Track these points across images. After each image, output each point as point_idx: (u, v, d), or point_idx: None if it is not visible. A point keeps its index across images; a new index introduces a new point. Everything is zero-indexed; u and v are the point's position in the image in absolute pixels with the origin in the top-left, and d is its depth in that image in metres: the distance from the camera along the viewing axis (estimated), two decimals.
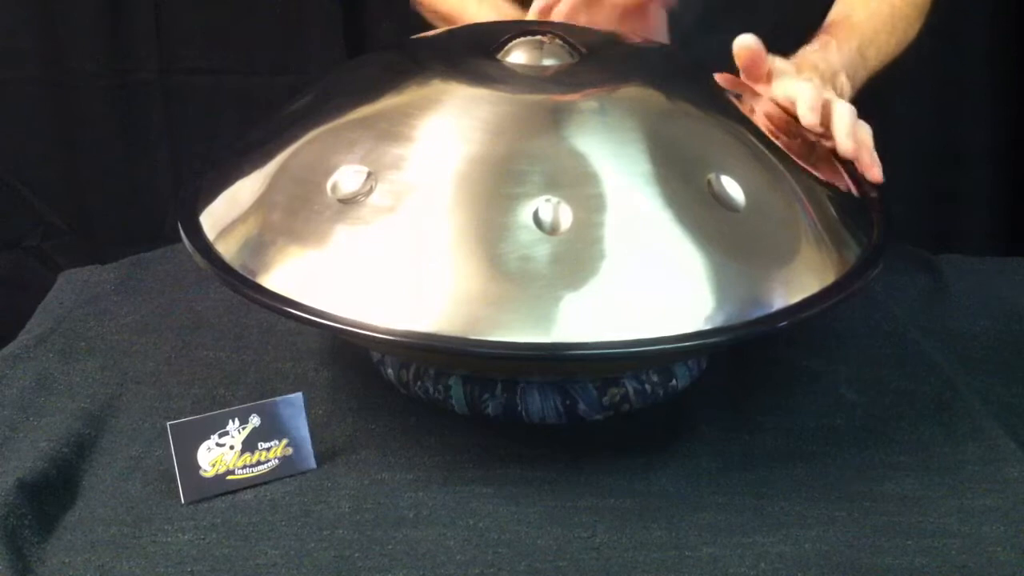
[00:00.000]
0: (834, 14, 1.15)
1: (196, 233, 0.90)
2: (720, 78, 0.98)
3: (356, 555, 0.79)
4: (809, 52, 1.05)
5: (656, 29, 1.12)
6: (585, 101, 0.89)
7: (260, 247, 0.86)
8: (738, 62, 0.98)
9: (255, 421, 0.85)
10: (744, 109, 0.94)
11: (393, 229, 0.83)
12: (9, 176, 1.83)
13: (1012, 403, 0.97)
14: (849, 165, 0.95)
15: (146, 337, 1.06)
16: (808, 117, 0.93)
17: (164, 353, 1.04)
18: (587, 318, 0.79)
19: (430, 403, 0.94)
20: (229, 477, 0.85)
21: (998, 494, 0.85)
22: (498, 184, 0.83)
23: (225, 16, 1.79)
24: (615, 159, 0.85)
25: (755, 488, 0.85)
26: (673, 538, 0.80)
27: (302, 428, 0.87)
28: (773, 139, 0.92)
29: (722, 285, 0.82)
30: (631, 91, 0.91)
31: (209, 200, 0.93)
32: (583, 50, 0.94)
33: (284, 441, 0.86)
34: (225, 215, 0.90)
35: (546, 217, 0.81)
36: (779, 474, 0.87)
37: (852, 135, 0.93)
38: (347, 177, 0.85)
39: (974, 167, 1.83)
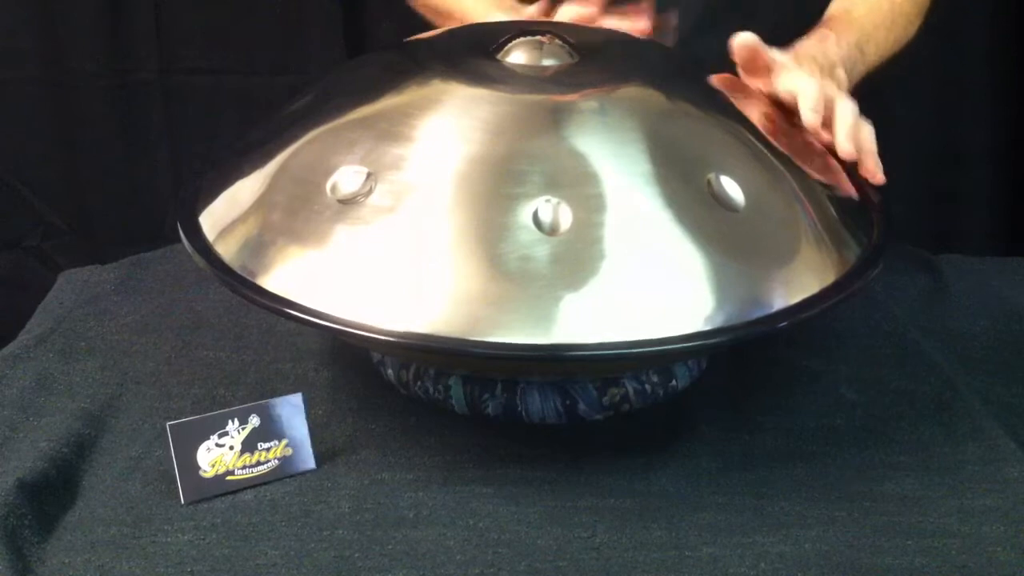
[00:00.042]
0: (833, 8, 1.15)
1: (196, 233, 0.90)
2: (716, 79, 0.97)
3: (356, 555, 0.79)
4: (807, 45, 1.05)
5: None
6: (585, 101, 0.89)
7: (260, 247, 0.86)
8: (736, 58, 0.98)
9: (255, 421, 0.85)
10: (741, 109, 0.94)
11: (393, 229, 0.83)
12: (9, 176, 1.83)
13: (1012, 403, 0.97)
14: (849, 164, 0.95)
15: (146, 337, 1.06)
16: (810, 118, 0.92)
17: (164, 353, 1.04)
18: (587, 318, 0.79)
19: (430, 403, 0.94)
20: (229, 477, 0.85)
21: (998, 494, 0.85)
22: (498, 184, 0.83)
23: (225, 16, 1.79)
24: (615, 159, 0.85)
25: (755, 488, 0.85)
26: (673, 538, 0.80)
27: (302, 428, 0.86)
28: (772, 140, 0.92)
29: (722, 285, 0.82)
30: (631, 91, 0.91)
31: (209, 200, 0.93)
32: (583, 50, 0.94)
33: (284, 441, 0.86)
34: (225, 215, 0.90)
35: (546, 217, 0.81)
36: (779, 474, 0.87)
37: (853, 138, 0.93)
38: (347, 177, 0.85)
39: (974, 167, 1.83)
